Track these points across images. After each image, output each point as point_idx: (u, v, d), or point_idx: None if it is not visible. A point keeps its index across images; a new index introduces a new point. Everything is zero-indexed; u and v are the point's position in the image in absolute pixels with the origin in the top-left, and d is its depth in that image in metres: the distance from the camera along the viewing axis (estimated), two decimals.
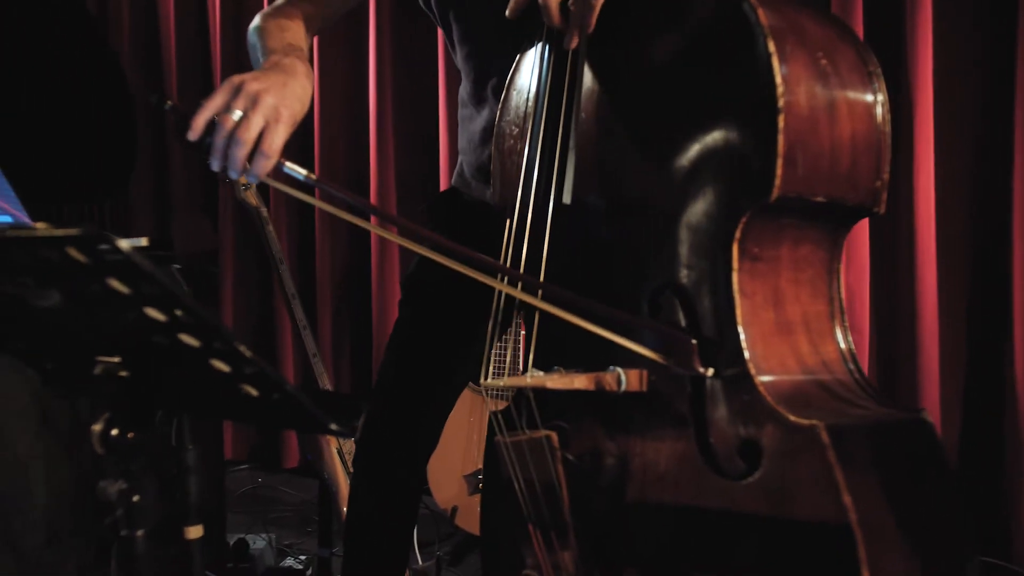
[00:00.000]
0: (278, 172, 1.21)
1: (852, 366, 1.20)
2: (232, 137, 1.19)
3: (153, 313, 0.94)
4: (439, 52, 3.23)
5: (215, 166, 1.21)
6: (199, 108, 1.20)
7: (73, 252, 0.86)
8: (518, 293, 1.24)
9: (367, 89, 3.48)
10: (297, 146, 3.66)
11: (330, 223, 3.58)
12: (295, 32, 1.48)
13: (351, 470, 2.59)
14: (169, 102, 1.24)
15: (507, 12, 1.28)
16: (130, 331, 1.01)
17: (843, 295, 1.24)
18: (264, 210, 2.50)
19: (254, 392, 1.03)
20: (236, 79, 1.23)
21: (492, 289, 1.29)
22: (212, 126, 1.20)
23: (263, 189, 3.49)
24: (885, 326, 2.59)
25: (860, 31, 2.51)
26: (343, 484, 2.53)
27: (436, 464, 2.79)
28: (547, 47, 1.30)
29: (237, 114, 1.19)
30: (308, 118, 3.54)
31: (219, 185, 3.70)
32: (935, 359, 2.46)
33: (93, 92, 2.30)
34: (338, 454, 2.55)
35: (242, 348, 0.93)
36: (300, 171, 1.20)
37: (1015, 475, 2.39)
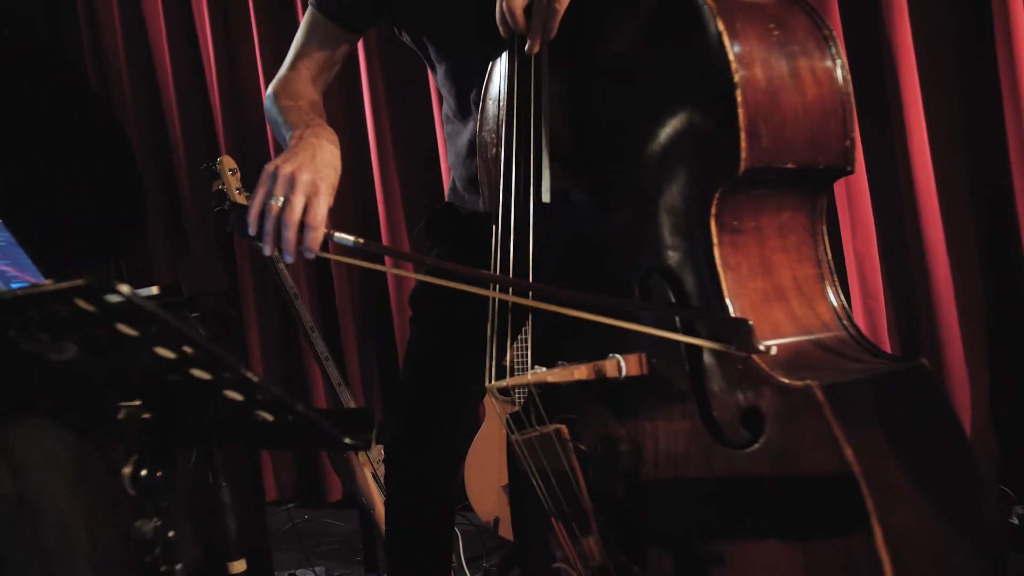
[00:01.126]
0: (329, 242, 1.30)
1: (847, 322, 1.23)
2: (280, 222, 1.28)
3: (163, 352, 0.99)
4: (428, 73, 3.29)
5: (268, 251, 1.31)
6: (250, 208, 1.30)
7: (81, 302, 0.91)
8: (510, 297, 1.28)
9: (364, 118, 3.54)
10: None
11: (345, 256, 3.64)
12: (308, 98, 1.59)
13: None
14: (228, 202, 1.33)
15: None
16: (145, 373, 1.06)
17: (830, 256, 1.27)
18: (276, 251, 2.55)
19: (269, 417, 1.08)
20: (270, 166, 1.33)
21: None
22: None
23: None
24: (899, 288, 2.60)
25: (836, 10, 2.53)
26: (379, 506, 2.57)
27: (473, 478, 2.83)
28: (512, 51, 1.34)
29: (280, 200, 1.29)
30: None
31: (228, 228, 3.79)
32: (953, 314, 2.47)
33: (101, 159, 2.39)
34: (372, 477, 2.60)
35: (249, 374, 0.97)
36: (348, 238, 1.28)
37: None
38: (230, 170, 2.43)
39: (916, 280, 2.55)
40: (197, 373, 1.02)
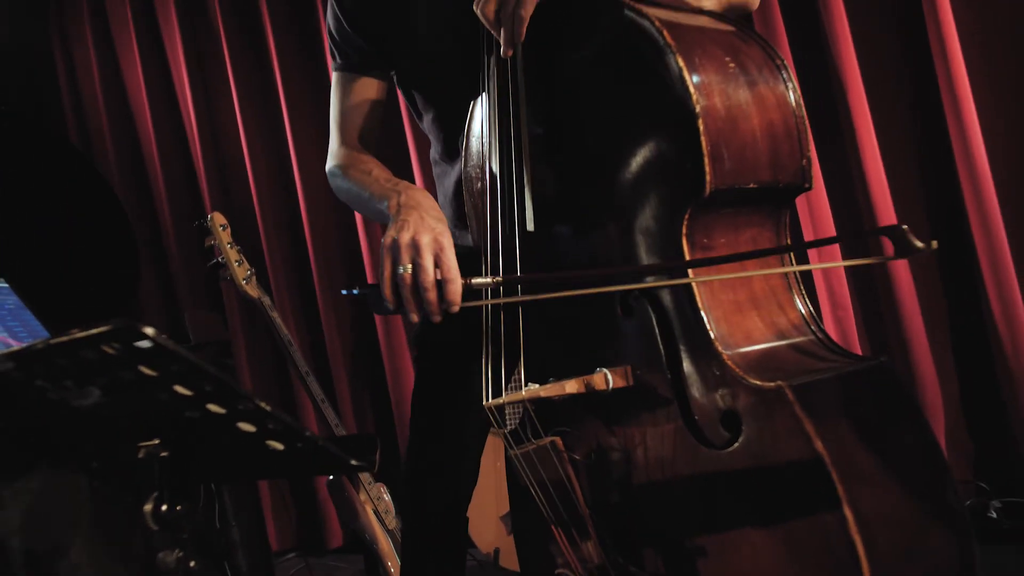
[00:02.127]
0: (469, 290, 1.32)
1: (814, 327, 1.32)
2: (418, 288, 1.31)
3: (182, 390, 1.06)
4: (404, 121, 3.40)
5: (415, 318, 1.33)
6: (382, 285, 1.33)
7: (107, 347, 0.98)
8: (523, 298, 1.35)
9: None
10: (290, 239, 3.83)
11: (333, 302, 3.72)
12: (376, 166, 1.63)
13: (389, 528, 2.69)
14: (357, 289, 1.38)
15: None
16: (164, 411, 1.12)
17: (796, 266, 1.36)
18: (267, 299, 2.63)
19: (279, 446, 1.15)
20: (387, 239, 1.35)
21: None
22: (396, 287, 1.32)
23: (262, 278, 3.66)
24: (866, 297, 2.70)
25: (781, 28, 2.66)
26: (383, 542, 2.63)
27: (472, 511, 2.89)
28: (490, 63, 1.42)
29: (409, 267, 1.32)
30: (295, 212, 3.73)
31: (221, 282, 3.86)
32: (919, 320, 2.57)
33: (92, 219, 2.47)
34: (375, 514, 2.65)
35: (263, 404, 1.04)
36: (486, 280, 1.33)
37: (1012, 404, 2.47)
38: (221, 226, 2.52)
39: (881, 289, 2.65)
40: (213, 408, 1.09)
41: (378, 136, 1.74)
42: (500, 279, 1.33)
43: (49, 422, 1.26)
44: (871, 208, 2.59)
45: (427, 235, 1.33)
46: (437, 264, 1.32)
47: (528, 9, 1.31)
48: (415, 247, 1.32)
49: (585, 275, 1.34)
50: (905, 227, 1.05)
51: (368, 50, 1.68)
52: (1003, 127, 2.44)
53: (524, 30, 1.32)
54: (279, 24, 3.71)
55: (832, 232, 2.65)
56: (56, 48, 4.46)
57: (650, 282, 1.29)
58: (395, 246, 1.34)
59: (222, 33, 3.84)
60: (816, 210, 2.65)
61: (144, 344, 0.96)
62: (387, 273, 1.34)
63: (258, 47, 3.81)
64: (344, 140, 1.70)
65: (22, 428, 1.34)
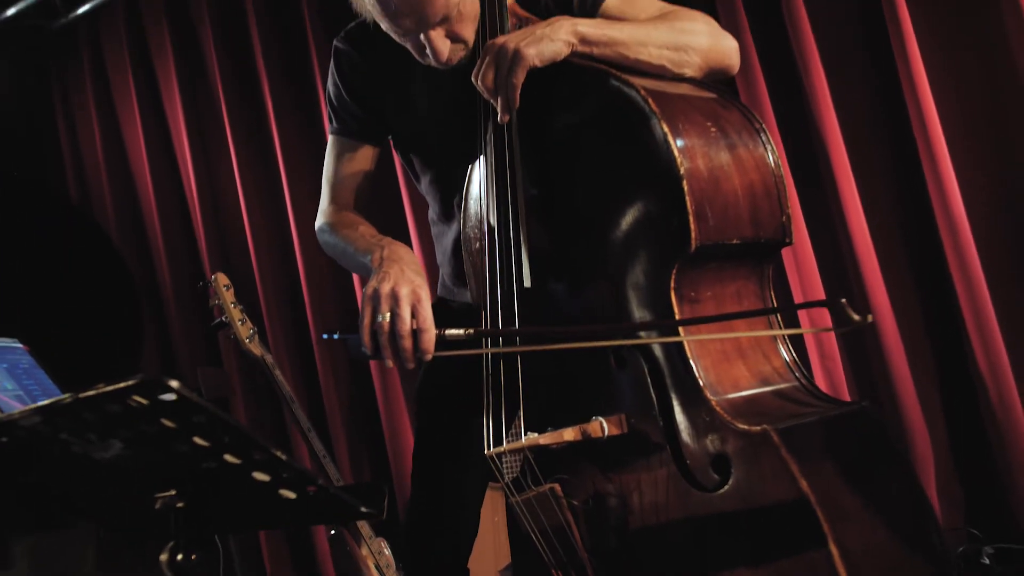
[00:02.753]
0: (442, 340, 1.41)
1: (798, 373, 1.40)
2: (394, 335, 1.40)
3: (201, 441, 1.11)
4: (400, 184, 3.49)
5: (390, 363, 1.41)
6: (361, 332, 1.42)
7: (134, 400, 1.03)
8: (521, 348, 1.42)
9: None
10: (289, 304, 3.90)
11: (330, 360, 3.77)
12: (363, 223, 1.73)
13: None
14: (336, 334, 1.46)
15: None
16: (182, 462, 1.17)
17: (779, 316, 1.44)
18: (269, 357, 2.69)
19: (292, 494, 1.20)
20: (368, 289, 1.45)
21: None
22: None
23: (264, 336, 3.70)
24: (853, 347, 2.77)
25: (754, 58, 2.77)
26: None
27: (471, 563, 2.91)
28: (488, 129, 1.51)
29: (387, 316, 1.41)
30: (294, 276, 3.80)
31: (220, 339, 3.92)
32: (906, 369, 2.63)
33: (99, 281, 2.55)
34: (376, 569, 2.68)
35: (279, 453, 1.10)
36: (459, 332, 1.41)
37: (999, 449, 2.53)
38: (225, 286, 2.59)
39: (868, 339, 2.72)
40: (229, 458, 1.14)
41: (368, 197, 1.83)
42: (472, 331, 1.41)
43: (68, 475, 1.30)
44: (855, 261, 2.67)
45: (406, 287, 1.43)
46: (414, 315, 1.41)
47: (520, 76, 1.40)
48: (394, 297, 1.41)
49: (571, 330, 1.41)
50: (843, 300, 1.15)
51: (365, 119, 1.78)
52: (982, 180, 2.54)
53: (518, 97, 1.42)
54: (276, 88, 3.83)
55: (819, 288, 2.72)
56: (58, 113, 4.58)
57: (642, 338, 1.36)
58: (376, 296, 1.43)
59: (221, 97, 3.96)
60: (803, 265, 2.73)
61: (168, 397, 1.01)
62: (367, 320, 1.42)
63: (257, 110, 3.93)
64: (335, 200, 1.81)
65: (39, 484, 1.39)
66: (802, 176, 2.74)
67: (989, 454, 2.57)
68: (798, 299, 2.73)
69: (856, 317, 1.13)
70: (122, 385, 1.01)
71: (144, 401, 1.04)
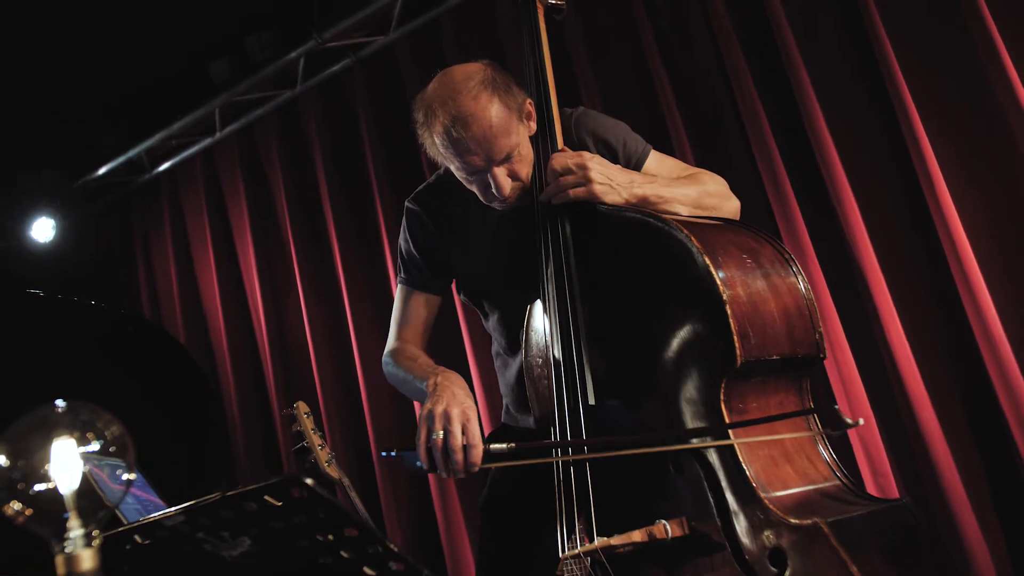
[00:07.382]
0: (489, 454, 1.61)
1: (839, 473, 1.55)
2: (447, 450, 1.60)
3: (322, 537, 1.25)
4: (460, 316, 3.70)
5: (446, 475, 1.62)
6: (418, 448, 1.63)
7: (270, 498, 1.18)
8: (583, 456, 1.58)
9: None
10: (352, 420, 4.09)
11: (391, 479, 3.91)
12: (422, 355, 1.96)
13: None
14: (395, 452, 1.70)
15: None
16: (302, 558, 1.30)
17: (820, 421, 1.59)
18: (346, 479, 2.85)
19: None
20: (424, 412, 1.66)
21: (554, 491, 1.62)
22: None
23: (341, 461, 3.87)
24: (904, 462, 2.85)
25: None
26: None
27: None
28: (549, 281, 1.71)
29: (440, 434, 1.62)
30: (357, 403, 4.00)
31: (284, 460, 4.11)
32: (958, 483, 2.69)
33: (195, 403, 2.77)
34: None
35: (392, 546, 1.24)
36: (503, 446, 1.61)
37: None
38: (305, 413, 2.79)
39: (918, 452, 2.81)
40: (344, 553, 1.28)
41: (430, 336, 2.07)
42: (513, 445, 1.60)
43: (196, 574, 1.44)
44: (898, 374, 2.80)
45: (457, 408, 1.64)
46: (464, 432, 1.60)
47: (577, 197, 1.67)
48: (447, 417, 1.62)
49: (623, 440, 1.57)
50: (836, 407, 1.36)
51: (430, 273, 2.04)
52: (1012, 291, 2.68)
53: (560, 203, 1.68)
54: (341, 228, 4.12)
55: (865, 403, 2.84)
56: (138, 254, 4.94)
57: (696, 443, 1.53)
58: (431, 416, 1.64)
59: (290, 237, 4.27)
60: (849, 383, 2.85)
61: (303, 495, 1.16)
62: (423, 437, 1.63)
63: (322, 248, 4.21)
64: (399, 337, 2.06)
65: None
66: (842, 298, 2.91)
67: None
68: (842, 407, 2.85)
69: (849, 420, 1.32)
70: (266, 484, 1.14)
71: (277, 501, 1.18)
